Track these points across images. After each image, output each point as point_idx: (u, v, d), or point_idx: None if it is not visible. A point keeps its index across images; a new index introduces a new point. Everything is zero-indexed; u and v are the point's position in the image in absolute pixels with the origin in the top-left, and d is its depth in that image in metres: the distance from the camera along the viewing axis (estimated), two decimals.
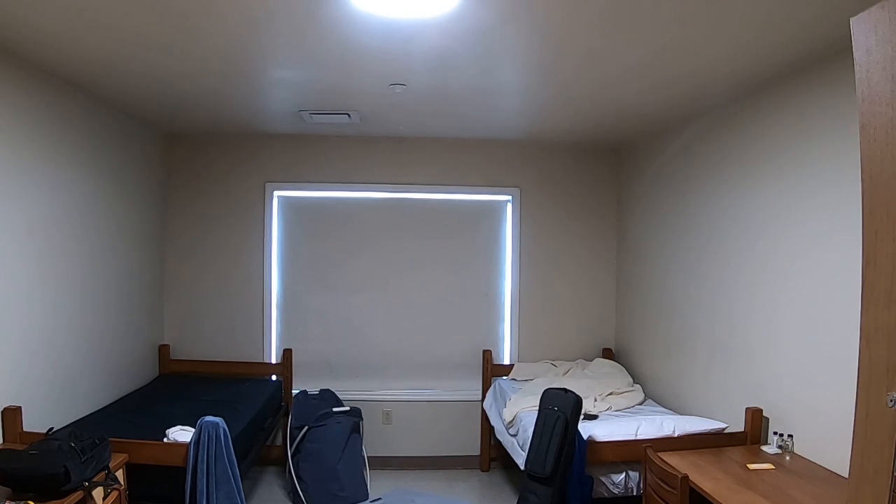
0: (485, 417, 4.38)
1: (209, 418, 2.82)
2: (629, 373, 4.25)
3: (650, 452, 2.64)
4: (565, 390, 3.04)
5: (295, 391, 4.37)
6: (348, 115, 3.73)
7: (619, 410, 3.62)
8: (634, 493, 2.92)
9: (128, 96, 3.37)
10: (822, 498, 2.18)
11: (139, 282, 4.04)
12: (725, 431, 2.98)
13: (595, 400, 3.66)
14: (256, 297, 4.51)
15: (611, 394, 3.80)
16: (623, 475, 2.94)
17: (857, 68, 1.34)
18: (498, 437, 3.91)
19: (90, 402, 3.32)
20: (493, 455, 4.47)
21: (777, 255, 2.83)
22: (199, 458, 2.74)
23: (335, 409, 4.01)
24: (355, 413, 4.09)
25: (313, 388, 4.33)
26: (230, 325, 4.48)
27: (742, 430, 2.88)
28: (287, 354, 4.44)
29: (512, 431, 3.58)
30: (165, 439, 2.84)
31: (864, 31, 1.32)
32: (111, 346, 3.61)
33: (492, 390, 4.35)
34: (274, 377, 4.45)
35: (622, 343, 4.61)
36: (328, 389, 4.32)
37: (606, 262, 4.74)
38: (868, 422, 1.31)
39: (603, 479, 2.94)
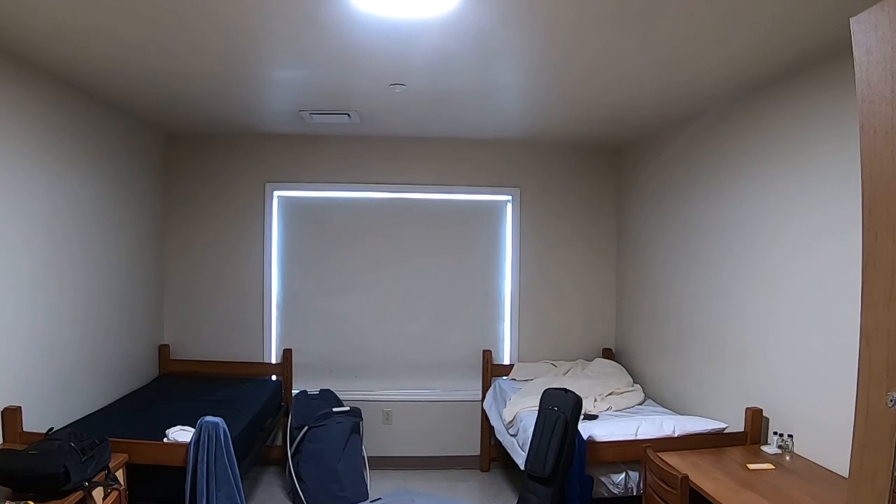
0: (485, 417, 4.38)
1: (209, 418, 2.82)
2: (629, 373, 4.25)
3: (650, 452, 2.64)
4: (565, 390, 3.04)
5: (295, 391, 4.37)
6: (348, 115, 3.73)
7: (619, 410, 3.62)
8: (634, 493, 2.92)
9: (128, 97, 3.37)
10: (822, 498, 2.18)
11: (139, 282, 4.04)
12: (725, 431, 2.98)
13: (595, 400, 3.66)
14: (256, 297, 4.51)
15: (611, 394, 3.80)
16: (623, 475, 2.94)
17: (857, 68, 1.34)
18: (498, 437, 3.91)
19: (90, 402, 3.32)
20: (493, 455, 4.47)
21: (776, 254, 2.82)
22: (199, 459, 2.74)
23: (335, 409, 4.01)
24: (355, 413, 4.09)
25: (313, 388, 4.33)
26: (230, 325, 4.48)
27: (742, 430, 2.88)
28: (287, 354, 4.44)
29: (512, 431, 3.58)
30: (165, 439, 2.84)
31: (864, 31, 1.32)
32: (111, 346, 3.61)
33: (492, 390, 4.35)
34: (274, 377, 4.45)
35: (622, 343, 4.60)
36: (328, 389, 4.32)
37: (606, 262, 4.73)
38: (868, 422, 1.31)
39: (603, 479, 2.94)
